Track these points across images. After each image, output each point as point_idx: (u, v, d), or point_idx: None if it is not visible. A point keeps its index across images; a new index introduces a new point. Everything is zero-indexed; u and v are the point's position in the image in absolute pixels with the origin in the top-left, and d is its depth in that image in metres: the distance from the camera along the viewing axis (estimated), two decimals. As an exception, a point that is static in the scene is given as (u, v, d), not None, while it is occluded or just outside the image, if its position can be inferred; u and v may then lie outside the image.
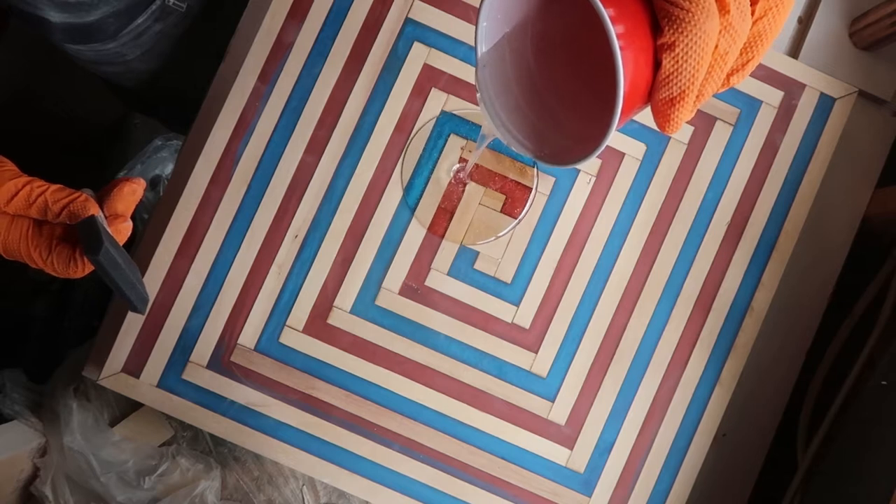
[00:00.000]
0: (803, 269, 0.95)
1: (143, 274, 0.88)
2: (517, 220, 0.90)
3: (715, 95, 0.90)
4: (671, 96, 0.53)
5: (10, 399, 0.98)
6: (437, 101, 0.90)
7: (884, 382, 0.87)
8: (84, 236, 0.68)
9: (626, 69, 0.49)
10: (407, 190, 0.90)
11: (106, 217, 0.72)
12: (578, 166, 0.61)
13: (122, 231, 0.74)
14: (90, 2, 0.92)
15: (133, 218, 0.76)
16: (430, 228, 0.90)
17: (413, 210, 0.90)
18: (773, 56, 0.92)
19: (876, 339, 0.91)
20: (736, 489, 0.95)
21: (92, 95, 1.51)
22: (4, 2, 0.91)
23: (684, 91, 0.52)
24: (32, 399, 0.99)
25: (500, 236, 0.90)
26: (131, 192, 0.74)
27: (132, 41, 1.04)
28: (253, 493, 0.94)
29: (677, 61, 0.51)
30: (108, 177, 1.47)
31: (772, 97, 0.92)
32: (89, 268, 0.70)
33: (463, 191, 0.91)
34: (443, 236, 0.90)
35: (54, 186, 0.70)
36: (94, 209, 0.70)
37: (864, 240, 0.96)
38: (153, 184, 1.42)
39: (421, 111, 0.90)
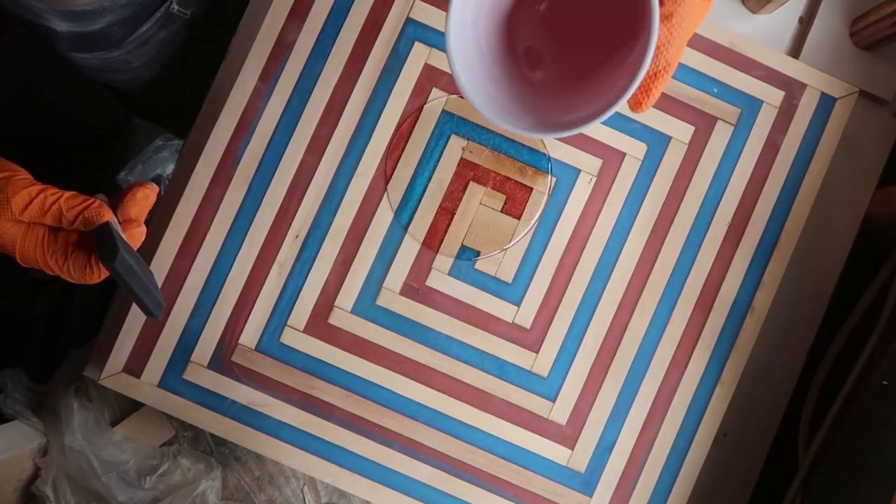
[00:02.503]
0: (804, 268, 0.95)
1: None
2: (526, 230, 0.91)
3: (716, 95, 0.90)
4: (656, 70, 0.55)
5: (11, 399, 0.98)
6: (439, 101, 0.90)
7: (885, 382, 0.87)
8: (99, 243, 0.68)
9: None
10: (399, 209, 0.90)
11: (120, 222, 0.72)
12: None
13: (136, 236, 0.74)
14: (96, 10, 0.92)
15: (146, 222, 0.76)
16: (426, 241, 0.90)
17: (406, 228, 0.90)
18: (774, 56, 0.92)
19: (877, 338, 0.90)
20: (737, 489, 0.95)
21: (93, 96, 1.50)
22: (10, 11, 0.91)
23: (669, 64, 0.54)
24: (33, 399, 0.99)
25: (506, 248, 0.91)
26: (144, 198, 0.75)
27: (137, 48, 1.04)
28: (254, 493, 0.95)
29: (671, 31, 0.53)
30: (109, 177, 1.47)
31: (773, 97, 0.92)
32: (105, 273, 0.70)
33: (452, 218, 0.91)
34: (437, 250, 0.90)
35: (68, 193, 0.70)
36: (108, 215, 0.70)
37: (864, 240, 0.96)
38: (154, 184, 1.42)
39: (422, 111, 0.90)
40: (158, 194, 0.78)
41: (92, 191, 0.72)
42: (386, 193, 0.90)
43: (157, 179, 1.42)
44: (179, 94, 1.19)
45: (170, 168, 1.46)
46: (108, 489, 0.92)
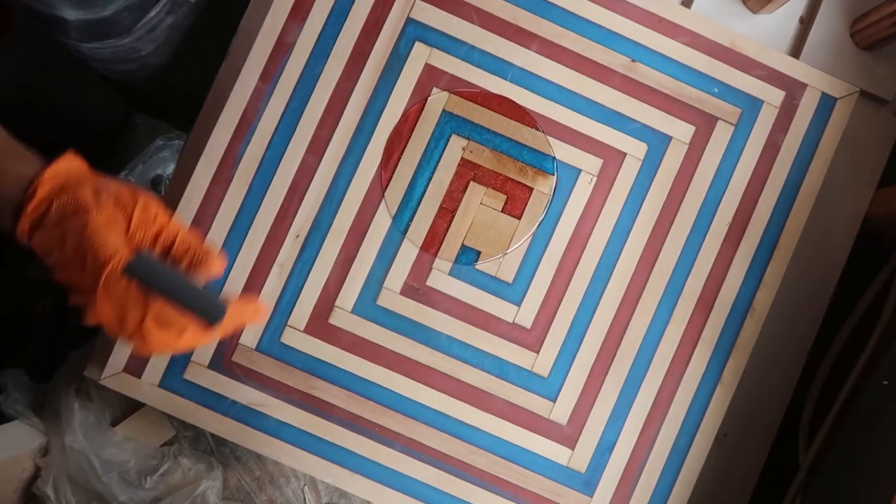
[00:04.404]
0: (805, 268, 0.95)
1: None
2: (527, 236, 0.91)
3: (716, 95, 0.90)
4: None
5: (12, 399, 0.98)
6: (439, 101, 0.91)
7: (885, 382, 0.87)
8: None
9: None
10: (400, 209, 0.90)
11: None
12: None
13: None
14: None
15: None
16: (425, 244, 0.90)
17: (406, 229, 0.90)
18: (775, 55, 0.92)
19: (877, 338, 0.90)
20: (737, 489, 0.95)
21: (93, 95, 1.50)
22: (19, 2, 0.92)
23: None
24: (34, 399, 0.99)
25: (508, 252, 0.91)
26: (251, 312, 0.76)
27: (146, 35, 1.05)
28: (254, 493, 0.94)
29: None
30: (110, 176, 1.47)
31: (773, 97, 0.92)
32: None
33: (452, 218, 0.91)
34: (437, 252, 0.90)
35: (187, 229, 0.73)
36: (216, 265, 0.72)
37: (865, 240, 0.96)
38: (155, 184, 1.42)
39: (422, 111, 0.90)
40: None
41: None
42: (384, 200, 0.90)
43: (157, 180, 1.43)
44: (188, 83, 1.19)
45: (170, 168, 1.46)
46: (109, 489, 0.92)
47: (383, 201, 0.90)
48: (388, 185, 0.90)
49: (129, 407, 0.96)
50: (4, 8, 0.95)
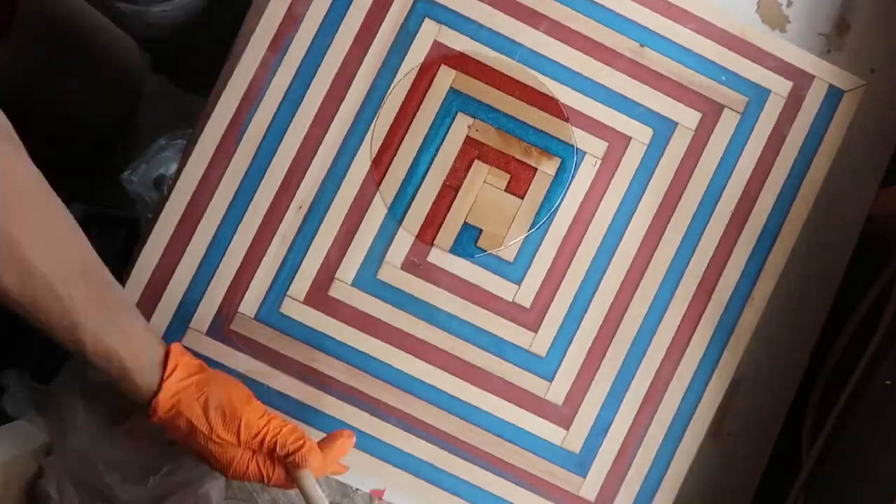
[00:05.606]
0: (807, 266, 0.94)
1: (145, 243, 0.90)
2: (526, 235, 0.91)
3: (724, 83, 0.91)
4: None
5: (15, 398, 0.98)
6: (447, 78, 0.91)
7: (888, 382, 0.87)
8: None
9: None
10: (401, 189, 0.91)
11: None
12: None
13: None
14: None
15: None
16: (426, 221, 0.91)
17: (400, 221, 0.91)
18: (783, 46, 0.93)
19: (880, 337, 0.90)
20: (739, 488, 0.94)
21: (96, 96, 1.52)
22: None
23: None
24: (37, 398, 0.99)
25: (509, 245, 0.91)
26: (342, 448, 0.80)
27: None
28: (257, 493, 0.94)
29: None
30: (112, 177, 1.47)
31: (780, 87, 0.92)
32: None
33: (455, 195, 0.91)
34: (431, 243, 0.91)
35: (287, 428, 0.76)
36: (314, 461, 0.75)
37: (868, 238, 0.96)
38: (157, 184, 1.43)
39: (430, 87, 0.91)
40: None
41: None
42: (387, 176, 0.90)
43: (160, 179, 1.43)
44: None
45: (173, 168, 1.46)
46: (112, 488, 0.91)
47: (386, 176, 0.90)
48: (392, 160, 0.90)
49: (132, 406, 0.96)
50: (6, 7, 0.96)
